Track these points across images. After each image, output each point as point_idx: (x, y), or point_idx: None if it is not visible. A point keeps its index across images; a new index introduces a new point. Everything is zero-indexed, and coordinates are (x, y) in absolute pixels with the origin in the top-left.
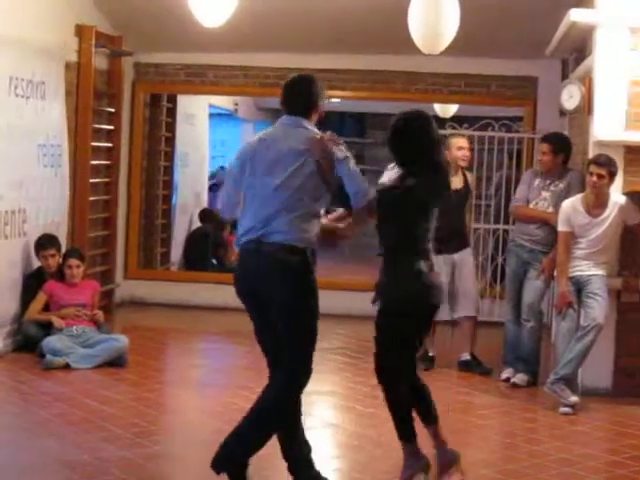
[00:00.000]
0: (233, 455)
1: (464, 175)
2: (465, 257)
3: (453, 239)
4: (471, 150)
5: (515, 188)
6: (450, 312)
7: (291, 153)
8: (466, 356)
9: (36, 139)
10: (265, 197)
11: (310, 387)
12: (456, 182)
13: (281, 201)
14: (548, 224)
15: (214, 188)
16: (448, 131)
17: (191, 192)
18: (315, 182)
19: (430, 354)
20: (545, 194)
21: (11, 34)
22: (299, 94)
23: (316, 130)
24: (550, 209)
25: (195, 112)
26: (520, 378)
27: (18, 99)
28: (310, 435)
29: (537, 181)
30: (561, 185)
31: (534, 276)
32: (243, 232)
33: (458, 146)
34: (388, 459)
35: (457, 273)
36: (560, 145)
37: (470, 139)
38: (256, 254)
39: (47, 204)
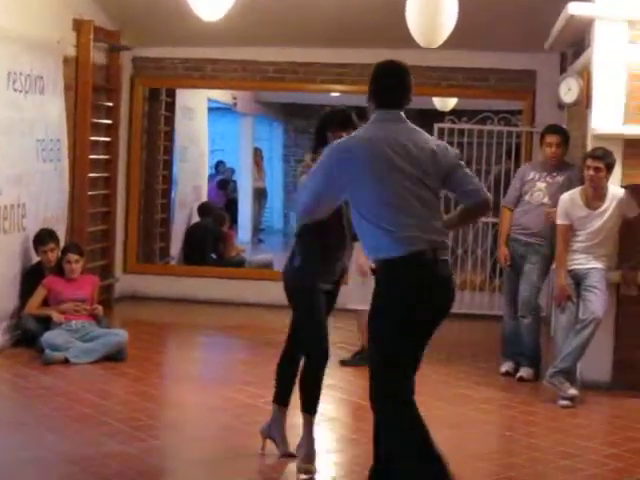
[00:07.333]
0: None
1: None
2: None
3: None
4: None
5: None
6: None
7: (423, 153)
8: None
9: (35, 134)
10: (419, 201)
11: None
12: None
13: (432, 203)
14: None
15: (220, 184)
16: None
17: (190, 187)
18: (439, 183)
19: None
20: (540, 185)
21: (9, 28)
22: (400, 84)
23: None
24: (545, 199)
25: (194, 106)
26: (527, 372)
27: (17, 94)
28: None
29: (532, 174)
30: (559, 178)
31: (530, 270)
32: (404, 239)
33: None
34: None
35: None
36: (567, 136)
37: (469, 132)
38: (436, 269)
39: (46, 199)
